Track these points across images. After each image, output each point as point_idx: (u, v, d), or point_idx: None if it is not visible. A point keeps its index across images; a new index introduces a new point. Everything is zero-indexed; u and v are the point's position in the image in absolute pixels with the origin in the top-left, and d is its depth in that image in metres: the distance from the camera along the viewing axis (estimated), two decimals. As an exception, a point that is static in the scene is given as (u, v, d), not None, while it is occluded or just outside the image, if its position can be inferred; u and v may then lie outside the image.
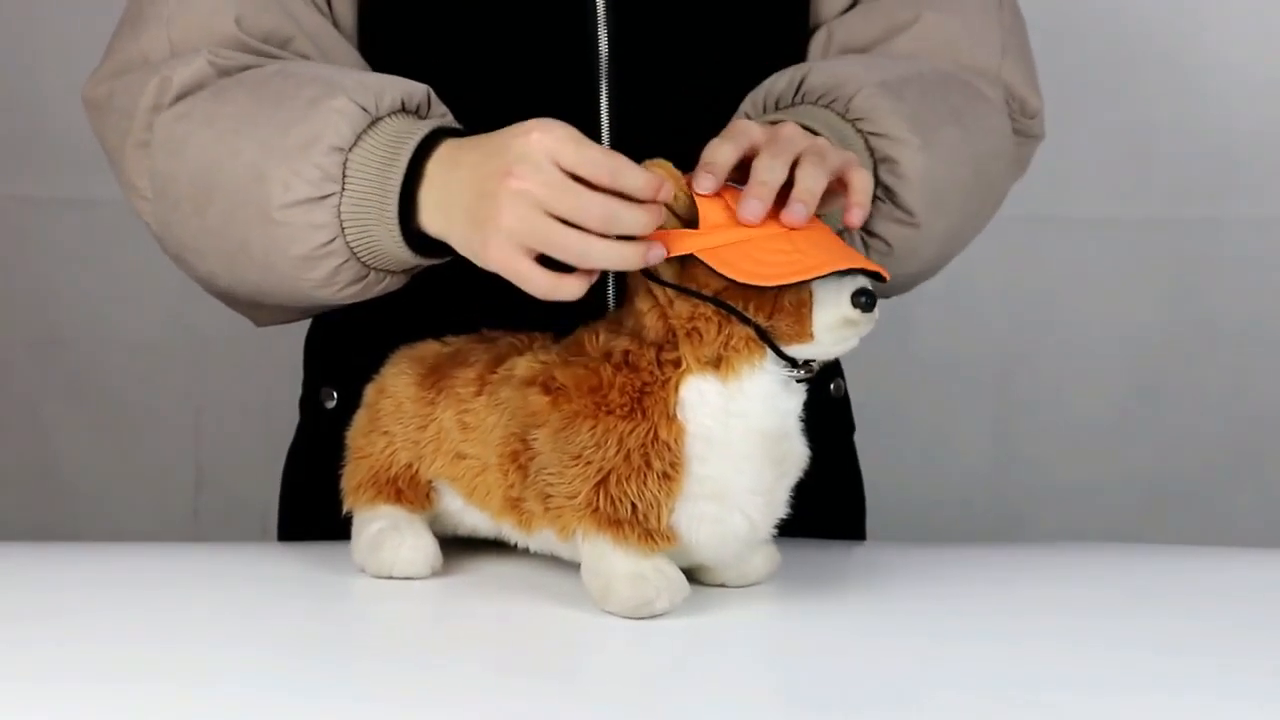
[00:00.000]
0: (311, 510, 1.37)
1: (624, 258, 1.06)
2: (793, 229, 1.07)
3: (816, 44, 1.34)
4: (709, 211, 1.07)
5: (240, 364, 2.03)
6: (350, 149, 1.14)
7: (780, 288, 1.06)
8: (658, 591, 1.07)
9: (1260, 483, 2.06)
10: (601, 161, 1.06)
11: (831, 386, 1.41)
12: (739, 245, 1.06)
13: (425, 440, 1.17)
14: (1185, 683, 0.98)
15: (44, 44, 2.01)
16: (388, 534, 1.17)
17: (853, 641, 1.06)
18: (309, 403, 1.39)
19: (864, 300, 1.05)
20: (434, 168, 1.13)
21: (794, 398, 1.09)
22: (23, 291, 2.05)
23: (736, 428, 1.07)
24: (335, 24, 1.28)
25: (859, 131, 1.23)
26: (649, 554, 1.08)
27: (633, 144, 1.26)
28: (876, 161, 1.23)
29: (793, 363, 1.08)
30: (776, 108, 1.25)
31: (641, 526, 1.08)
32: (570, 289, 1.08)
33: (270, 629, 1.07)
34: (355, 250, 1.16)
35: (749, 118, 1.25)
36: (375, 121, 1.15)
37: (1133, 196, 2.03)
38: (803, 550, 1.20)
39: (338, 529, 1.23)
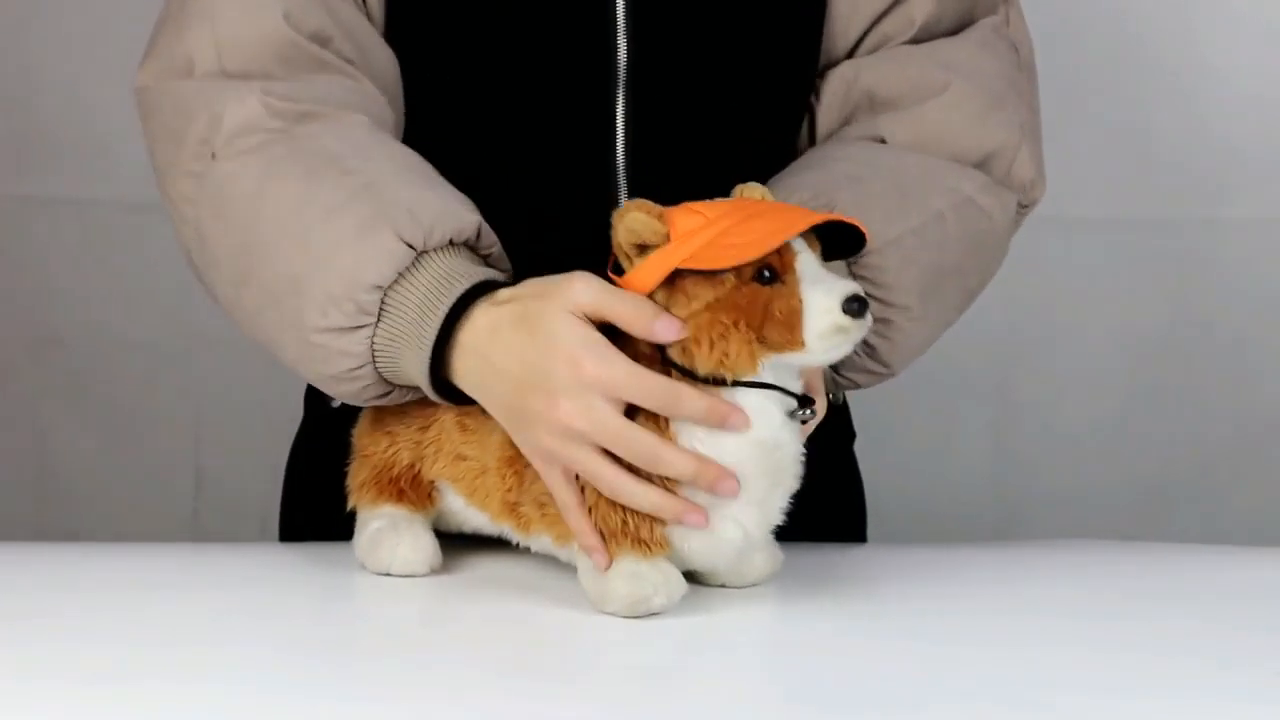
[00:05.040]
0: (314, 509, 1.37)
1: (656, 506, 1.07)
2: (756, 213, 1.06)
3: (839, 82, 1.32)
4: (681, 221, 1.07)
5: (240, 364, 2.03)
6: (390, 286, 1.12)
7: (770, 287, 1.05)
8: (655, 588, 1.07)
9: (1260, 483, 2.06)
10: (661, 392, 1.06)
11: (831, 395, 1.39)
12: (712, 242, 1.05)
13: (427, 441, 1.18)
14: (1185, 683, 0.98)
15: (44, 44, 2.01)
16: (386, 532, 1.18)
17: (853, 642, 1.06)
18: (312, 400, 1.39)
19: (855, 306, 1.05)
20: (470, 331, 1.11)
21: (776, 409, 1.08)
22: (23, 291, 2.05)
23: (729, 440, 1.07)
24: (369, 17, 1.25)
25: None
26: (644, 557, 1.08)
27: (647, 153, 1.26)
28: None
29: (800, 401, 1.08)
30: None
31: (633, 535, 1.08)
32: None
33: (270, 629, 1.07)
34: (383, 375, 1.15)
35: None
36: (422, 255, 1.13)
37: (1133, 196, 2.02)
38: (803, 551, 1.20)
39: (340, 528, 1.23)
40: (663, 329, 1.06)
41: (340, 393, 1.18)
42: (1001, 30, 1.35)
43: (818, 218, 1.06)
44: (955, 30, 1.34)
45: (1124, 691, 0.96)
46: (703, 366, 1.07)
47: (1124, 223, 2.03)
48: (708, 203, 1.08)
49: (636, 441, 1.06)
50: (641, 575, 1.08)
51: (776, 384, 1.07)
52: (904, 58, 1.31)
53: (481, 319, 1.11)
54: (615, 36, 1.26)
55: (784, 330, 1.05)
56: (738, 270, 1.05)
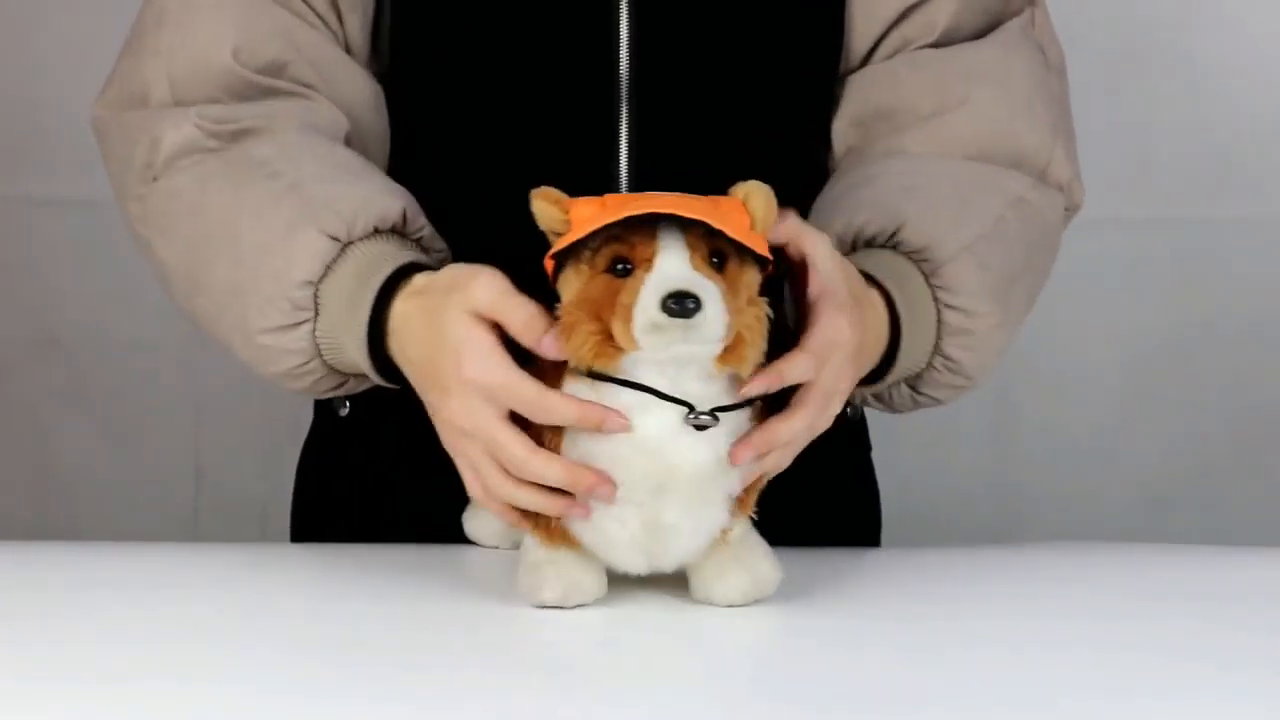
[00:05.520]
0: (326, 515, 1.37)
1: (539, 505, 1.07)
2: (644, 204, 1.01)
3: (852, 91, 1.30)
4: (576, 211, 1.04)
5: (240, 364, 2.03)
6: (320, 280, 1.14)
7: (621, 280, 1.01)
8: (544, 582, 1.08)
9: (1260, 482, 2.06)
10: (532, 400, 1.04)
11: (848, 410, 1.33)
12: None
13: None
14: (1185, 684, 0.98)
15: (45, 45, 2.01)
16: (473, 508, 1.23)
17: (854, 643, 1.06)
18: (322, 405, 1.39)
19: (673, 305, 0.97)
20: (393, 319, 1.12)
21: (666, 411, 1.03)
22: (23, 291, 2.05)
23: (604, 438, 1.04)
24: (346, 40, 1.26)
25: (935, 299, 1.20)
26: (569, 549, 1.08)
27: (651, 165, 1.25)
28: (945, 334, 1.20)
29: (689, 407, 1.03)
30: (867, 246, 1.21)
31: (533, 520, 1.09)
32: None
33: (270, 629, 1.07)
34: (333, 366, 1.17)
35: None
36: (348, 246, 1.14)
37: (1133, 196, 2.02)
38: (807, 555, 1.20)
39: (352, 533, 1.24)
40: (548, 344, 1.04)
41: (295, 389, 1.20)
42: (1027, 31, 1.32)
43: (682, 208, 1.00)
44: (979, 35, 1.31)
45: (1125, 692, 0.96)
46: (574, 354, 1.03)
47: (1124, 223, 2.03)
48: (620, 195, 1.05)
49: (506, 450, 1.05)
50: (538, 568, 1.08)
51: (645, 384, 1.02)
52: (923, 63, 1.29)
53: (399, 307, 1.12)
54: (618, 49, 1.25)
55: (620, 325, 1.01)
56: (593, 262, 1.02)
